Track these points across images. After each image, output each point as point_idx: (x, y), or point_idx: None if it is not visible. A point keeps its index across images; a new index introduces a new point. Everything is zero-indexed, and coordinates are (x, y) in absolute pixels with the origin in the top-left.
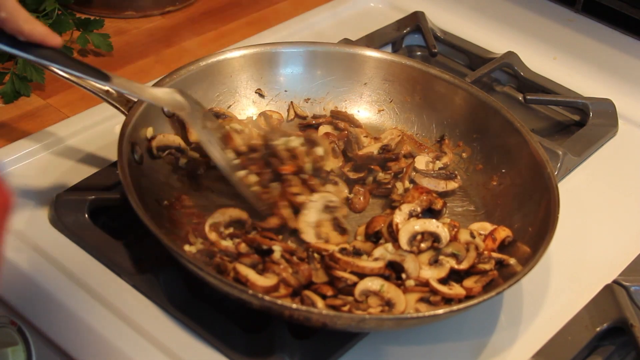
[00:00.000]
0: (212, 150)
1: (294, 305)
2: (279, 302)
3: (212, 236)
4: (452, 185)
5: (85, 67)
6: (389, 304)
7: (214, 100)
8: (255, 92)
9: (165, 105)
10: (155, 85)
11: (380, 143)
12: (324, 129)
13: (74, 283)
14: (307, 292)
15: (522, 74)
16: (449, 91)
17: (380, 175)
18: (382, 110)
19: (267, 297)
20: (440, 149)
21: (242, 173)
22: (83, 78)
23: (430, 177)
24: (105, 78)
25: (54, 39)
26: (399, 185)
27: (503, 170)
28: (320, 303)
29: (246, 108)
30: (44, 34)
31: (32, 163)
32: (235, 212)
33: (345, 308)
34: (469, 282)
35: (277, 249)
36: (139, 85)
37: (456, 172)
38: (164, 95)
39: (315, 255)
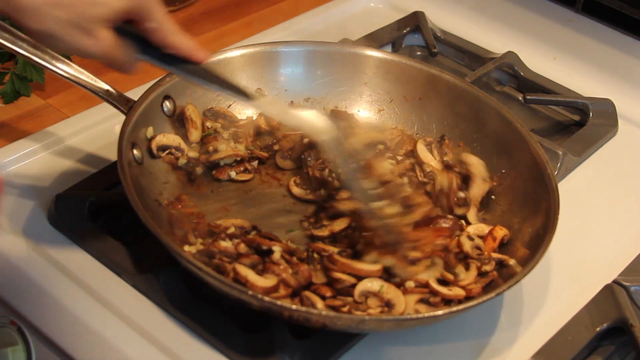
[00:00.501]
0: (347, 176)
1: (294, 306)
2: (279, 303)
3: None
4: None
5: (232, 86)
6: (388, 304)
7: (214, 100)
8: (256, 92)
9: (304, 130)
10: (156, 84)
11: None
12: None
13: (74, 283)
14: (307, 293)
15: (522, 74)
16: (449, 91)
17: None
18: (382, 110)
19: (266, 298)
20: (440, 149)
21: (380, 203)
22: (229, 96)
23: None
24: (248, 97)
25: (201, 54)
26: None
27: (503, 171)
28: (319, 304)
29: (246, 107)
30: (191, 48)
31: (32, 163)
32: (237, 222)
33: (345, 309)
34: (468, 280)
35: (277, 249)
36: (281, 107)
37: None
38: (305, 118)
39: (315, 255)
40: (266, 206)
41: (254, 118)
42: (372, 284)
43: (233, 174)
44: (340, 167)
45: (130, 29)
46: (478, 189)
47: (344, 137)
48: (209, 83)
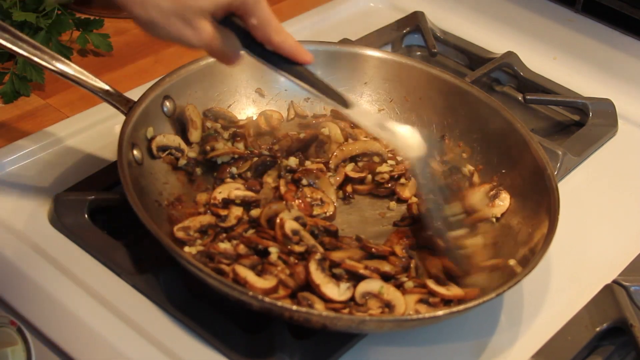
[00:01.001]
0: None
1: (294, 307)
2: (279, 303)
3: (180, 234)
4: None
5: (332, 92)
6: (388, 305)
7: (214, 100)
8: (255, 92)
9: (397, 147)
10: (156, 85)
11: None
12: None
13: (74, 283)
14: (305, 294)
15: (521, 74)
16: (449, 91)
17: (381, 174)
18: (383, 109)
19: (267, 299)
20: (440, 150)
21: (459, 232)
22: (326, 101)
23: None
24: (346, 105)
25: (304, 56)
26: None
27: (503, 171)
28: (319, 304)
29: (246, 107)
30: (294, 48)
31: (31, 163)
32: (205, 219)
33: (346, 311)
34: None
35: (274, 250)
36: (376, 119)
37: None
38: (402, 134)
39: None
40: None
41: (254, 118)
42: (372, 285)
43: (234, 169)
44: (423, 187)
45: (235, 22)
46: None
47: (431, 158)
48: (309, 86)
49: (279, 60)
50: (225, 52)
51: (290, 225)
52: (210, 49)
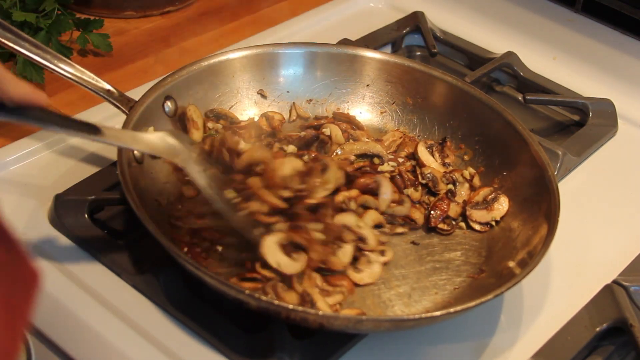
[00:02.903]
0: (210, 192)
1: (291, 306)
2: (276, 302)
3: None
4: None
5: (75, 123)
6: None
7: (216, 101)
8: (257, 93)
9: (160, 154)
10: (157, 85)
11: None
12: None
13: (74, 283)
14: (309, 290)
15: (521, 74)
16: (451, 93)
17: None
18: (385, 112)
19: (264, 298)
20: (442, 151)
21: (242, 213)
22: (73, 135)
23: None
24: (96, 132)
25: (40, 97)
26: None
27: (504, 173)
28: (320, 302)
29: (248, 109)
30: (30, 94)
31: (32, 163)
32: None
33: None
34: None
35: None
36: (131, 134)
37: (499, 192)
38: (158, 141)
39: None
40: None
41: (256, 119)
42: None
43: None
44: (198, 182)
45: None
46: None
47: (194, 155)
48: (55, 125)
49: (19, 110)
50: None
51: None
52: None
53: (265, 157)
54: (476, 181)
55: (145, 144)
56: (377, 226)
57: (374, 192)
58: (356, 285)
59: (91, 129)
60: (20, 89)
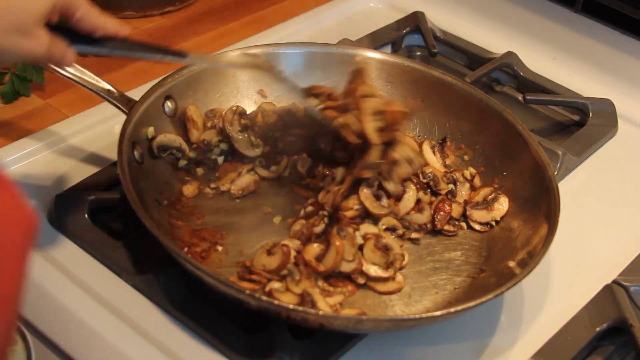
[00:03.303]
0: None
1: (291, 306)
2: (276, 302)
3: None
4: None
5: (161, 49)
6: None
7: (216, 101)
8: (257, 93)
9: (243, 66)
10: (157, 85)
11: None
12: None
13: (74, 283)
14: (309, 290)
15: (521, 74)
16: (451, 93)
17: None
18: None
19: (264, 298)
20: (442, 152)
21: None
22: (160, 59)
23: (479, 209)
24: (181, 55)
25: (124, 29)
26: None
27: (504, 173)
28: (320, 303)
29: (248, 109)
30: (115, 26)
31: (32, 163)
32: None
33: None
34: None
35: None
36: (212, 56)
37: (499, 192)
38: (239, 58)
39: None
40: (270, 201)
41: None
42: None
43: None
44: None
45: (56, 24)
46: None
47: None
48: (139, 52)
49: (104, 42)
50: (62, 54)
51: None
52: (51, 56)
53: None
54: (477, 181)
55: (227, 60)
56: (391, 229)
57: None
58: (379, 293)
59: (177, 54)
60: (106, 23)
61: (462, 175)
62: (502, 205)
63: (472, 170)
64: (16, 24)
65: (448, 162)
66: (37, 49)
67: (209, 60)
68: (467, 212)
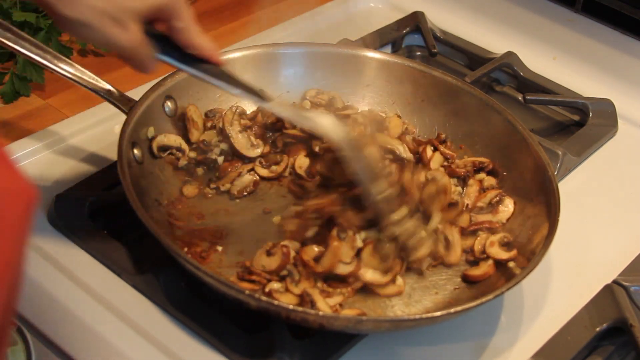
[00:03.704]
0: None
1: (291, 306)
2: (276, 302)
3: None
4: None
5: (248, 88)
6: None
7: (216, 101)
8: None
9: (326, 133)
10: (157, 85)
11: None
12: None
13: (74, 283)
14: (309, 290)
15: (521, 74)
16: (451, 93)
17: None
18: (385, 112)
19: (264, 298)
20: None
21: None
22: (248, 98)
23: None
24: (263, 99)
25: (219, 57)
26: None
27: (504, 173)
28: (320, 303)
29: (248, 109)
30: (212, 50)
31: (32, 163)
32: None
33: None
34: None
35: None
36: (297, 111)
37: (504, 194)
38: (325, 119)
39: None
40: (270, 201)
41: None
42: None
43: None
44: (354, 167)
45: (152, 29)
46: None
47: (354, 136)
48: (227, 84)
49: (195, 62)
50: (146, 57)
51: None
52: (135, 53)
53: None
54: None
55: (306, 119)
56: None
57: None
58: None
59: (262, 97)
60: (203, 43)
61: (467, 170)
62: (508, 207)
63: (482, 175)
64: (111, 10)
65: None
66: (122, 39)
67: (290, 114)
68: (471, 218)
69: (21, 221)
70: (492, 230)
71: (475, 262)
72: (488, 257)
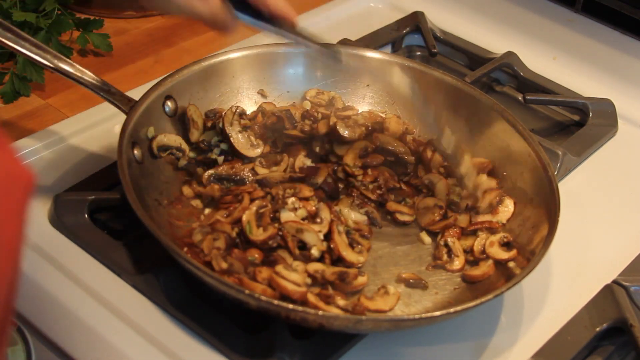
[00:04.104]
0: None
1: (291, 306)
2: (276, 302)
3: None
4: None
5: (323, 45)
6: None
7: (216, 101)
8: (258, 93)
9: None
10: (157, 84)
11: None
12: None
13: (74, 283)
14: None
15: (521, 74)
16: (451, 93)
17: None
18: (385, 112)
19: (263, 298)
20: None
21: None
22: (318, 55)
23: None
24: (335, 56)
25: (291, 14)
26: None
27: (504, 173)
28: (320, 303)
29: (248, 109)
30: (285, 7)
31: (32, 163)
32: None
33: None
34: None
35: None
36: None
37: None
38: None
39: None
40: None
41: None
42: None
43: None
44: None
45: None
46: None
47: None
48: (303, 40)
49: (270, 21)
50: (226, 21)
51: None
52: (214, 19)
53: None
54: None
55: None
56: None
57: None
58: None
59: (333, 56)
60: (277, 2)
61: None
62: (508, 207)
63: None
64: None
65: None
66: (202, 8)
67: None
68: (471, 219)
69: (20, 205)
70: (492, 231)
71: (475, 262)
72: (488, 257)
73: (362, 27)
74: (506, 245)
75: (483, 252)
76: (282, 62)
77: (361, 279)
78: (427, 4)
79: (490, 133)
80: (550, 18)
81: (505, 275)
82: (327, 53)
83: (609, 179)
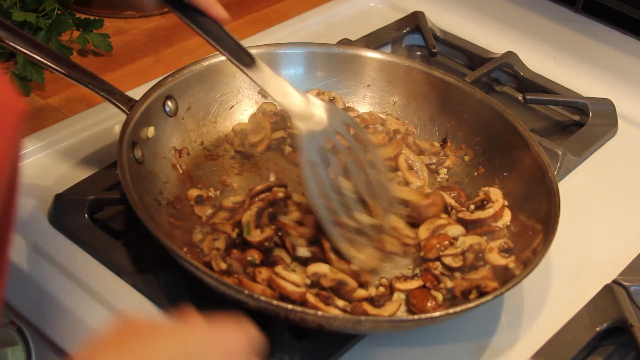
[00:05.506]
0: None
1: (290, 306)
2: (275, 303)
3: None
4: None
5: (234, 47)
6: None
7: (217, 101)
8: (258, 93)
9: (300, 121)
10: (158, 84)
11: None
12: None
13: (74, 283)
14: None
15: (521, 74)
16: (451, 93)
17: None
18: (386, 112)
19: (263, 298)
20: (442, 152)
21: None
22: (224, 55)
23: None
24: (248, 65)
25: (218, 12)
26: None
27: (505, 174)
28: (319, 303)
29: (249, 109)
30: (215, 6)
31: (31, 163)
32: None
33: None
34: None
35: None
36: (280, 84)
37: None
38: (299, 107)
39: None
40: None
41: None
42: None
43: None
44: (306, 164)
45: None
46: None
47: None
48: (216, 42)
49: (194, 14)
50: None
51: None
52: None
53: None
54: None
55: (286, 103)
56: None
57: None
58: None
59: (245, 60)
60: None
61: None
62: (505, 217)
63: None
64: None
65: (448, 162)
66: None
67: (269, 89)
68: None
69: (13, 130)
70: (492, 235)
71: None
72: (486, 263)
73: (362, 27)
74: (506, 251)
75: (481, 256)
76: (282, 62)
77: (361, 292)
78: (427, 4)
79: (490, 133)
80: (550, 18)
81: (505, 275)
82: (237, 60)
83: (609, 179)
